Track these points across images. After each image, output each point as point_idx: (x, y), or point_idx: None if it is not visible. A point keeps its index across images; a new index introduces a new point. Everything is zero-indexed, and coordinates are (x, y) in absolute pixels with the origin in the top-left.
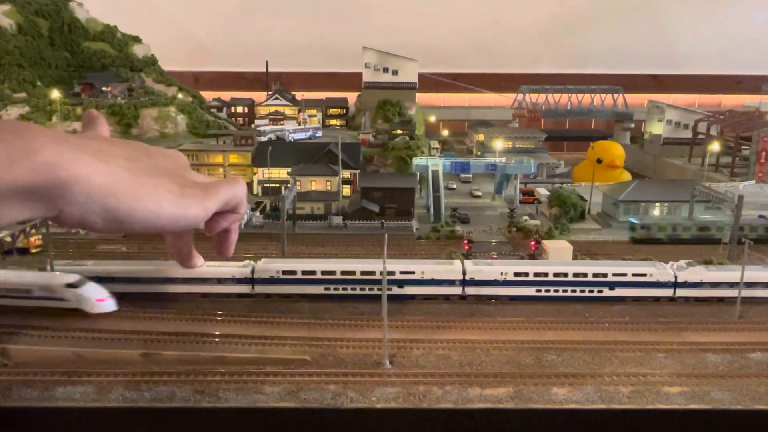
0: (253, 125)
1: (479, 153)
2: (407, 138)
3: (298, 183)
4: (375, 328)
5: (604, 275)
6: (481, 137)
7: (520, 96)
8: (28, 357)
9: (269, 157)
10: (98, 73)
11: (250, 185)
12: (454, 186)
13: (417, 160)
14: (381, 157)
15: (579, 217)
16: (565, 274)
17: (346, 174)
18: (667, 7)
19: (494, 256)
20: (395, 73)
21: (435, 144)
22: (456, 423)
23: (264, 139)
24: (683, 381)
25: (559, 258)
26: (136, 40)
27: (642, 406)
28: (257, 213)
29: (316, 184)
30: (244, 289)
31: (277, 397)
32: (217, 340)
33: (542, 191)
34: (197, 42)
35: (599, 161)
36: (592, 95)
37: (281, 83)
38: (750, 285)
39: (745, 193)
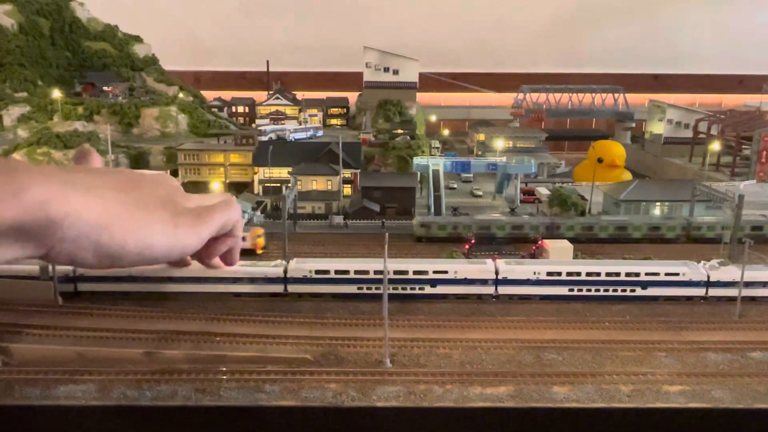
0: (254, 125)
1: (480, 152)
2: (408, 137)
3: (299, 182)
4: (376, 327)
5: (637, 274)
6: (481, 137)
7: (519, 95)
8: (29, 355)
9: (270, 157)
10: (99, 73)
11: (251, 185)
12: (455, 185)
13: (418, 160)
14: (382, 157)
15: (579, 217)
16: (598, 273)
17: (347, 173)
18: (668, 6)
19: (495, 257)
20: (396, 72)
21: (436, 143)
22: (457, 422)
23: (265, 138)
24: (683, 380)
25: (559, 257)
26: (137, 39)
27: (642, 404)
28: (258, 212)
29: (317, 183)
30: (277, 288)
31: (277, 396)
32: (218, 338)
33: (543, 191)
34: (198, 41)
35: (600, 161)
36: (593, 95)
37: (282, 83)
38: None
39: (746, 192)
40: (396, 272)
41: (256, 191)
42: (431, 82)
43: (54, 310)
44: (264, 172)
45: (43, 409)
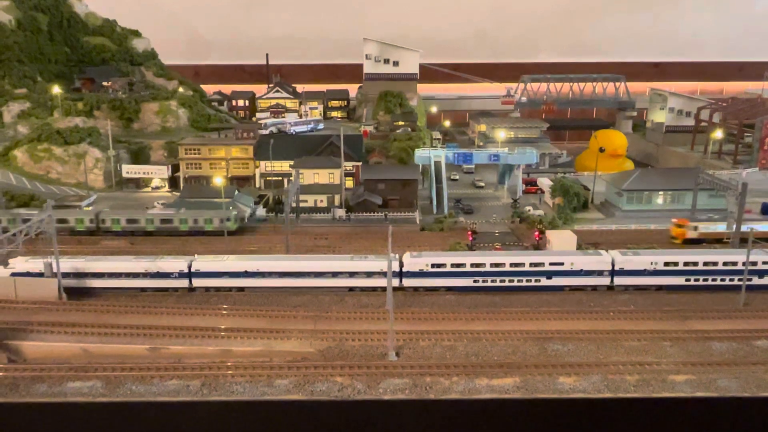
0: (254, 118)
1: (481, 143)
2: (409, 129)
3: (300, 176)
4: (380, 320)
5: (754, 263)
6: (483, 128)
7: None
8: (36, 353)
9: (271, 150)
10: (98, 68)
11: (252, 178)
12: (457, 177)
13: (419, 152)
14: (383, 149)
15: (582, 207)
16: (715, 263)
17: (349, 166)
18: None
19: (497, 247)
20: (396, 64)
21: (437, 135)
22: (464, 413)
23: (266, 132)
24: (689, 369)
25: (563, 247)
26: (136, 34)
27: (648, 394)
28: (260, 206)
29: (319, 176)
30: (393, 282)
31: (284, 390)
32: (223, 333)
33: (545, 181)
34: (197, 35)
35: (602, 150)
36: (594, 84)
37: (282, 76)
38: None
39: (749, 180)
40: (512, 264)
41: (257, 185)
42: (432, 73)
43: (59, 307)
44: (265, 166)
45: (51, 406)
